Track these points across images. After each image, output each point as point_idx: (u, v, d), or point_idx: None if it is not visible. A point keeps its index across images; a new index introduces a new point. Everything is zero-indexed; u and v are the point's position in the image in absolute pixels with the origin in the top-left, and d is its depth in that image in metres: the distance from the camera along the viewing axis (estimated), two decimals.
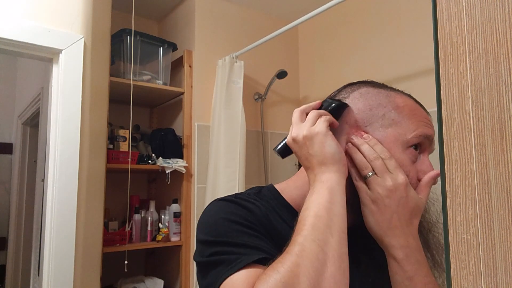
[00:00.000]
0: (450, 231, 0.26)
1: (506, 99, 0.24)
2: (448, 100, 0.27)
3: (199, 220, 0.63)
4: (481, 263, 0.24)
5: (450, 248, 0.26)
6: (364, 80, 0.67)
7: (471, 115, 0.26)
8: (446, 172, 0.27)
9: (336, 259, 0.50)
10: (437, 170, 0.60)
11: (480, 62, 0.26)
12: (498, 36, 0.25)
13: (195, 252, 0.61)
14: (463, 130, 0.26)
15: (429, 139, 0.61)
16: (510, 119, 0.24)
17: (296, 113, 0.63)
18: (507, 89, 0.24)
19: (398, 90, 0.65)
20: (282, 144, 0.65)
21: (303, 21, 1.77)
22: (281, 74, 2.35)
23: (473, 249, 0.25)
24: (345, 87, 0.67)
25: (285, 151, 0.65)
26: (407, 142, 0.59)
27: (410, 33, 1.92)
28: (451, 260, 0.26)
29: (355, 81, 0.68)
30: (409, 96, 0.65)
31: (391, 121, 0.60)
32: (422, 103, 0.65)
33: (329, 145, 0.57)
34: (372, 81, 0.67)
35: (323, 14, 1.75)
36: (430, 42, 1.66)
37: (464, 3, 0.27)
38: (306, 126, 0.59)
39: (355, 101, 0.63)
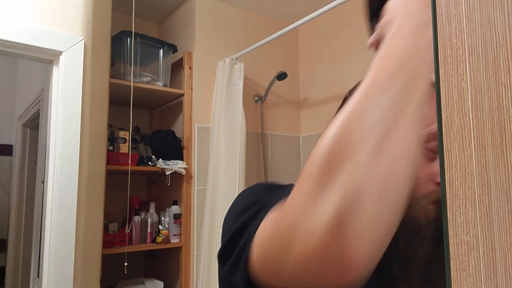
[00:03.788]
0: (450, 233, 0.26)
1: (505, 101, 0.24)
2: (448, 102, 0.27)
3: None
4: (481, 264, 0.24)
5: (450, 249, 0.26)
6: None
7: (470, 117, 0.26)
8: (446, 174, 0.27)
9: (408, 119, 0.33)
10: None
11: (479, 64, 0.26)
12: (497, 38, 0.25)
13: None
14: (462, 131, 0.26)
15: None
16: (509, 121, 0.24)
17: None
18: (506, 90, 0.24)
19: None
20: None
21: (303, 23, 1.77)
22: (281, 76, 2.35)
23: (473, 250, 0.25)
24: None
25: None
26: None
27: None
28: (451, 262, 0.26)
29: (359, 80, 0.64)
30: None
31: None
32: None
33: None
34: None
35: (323, 16, 1.75)
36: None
37: (463, 5, 0.27)
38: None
39: None
